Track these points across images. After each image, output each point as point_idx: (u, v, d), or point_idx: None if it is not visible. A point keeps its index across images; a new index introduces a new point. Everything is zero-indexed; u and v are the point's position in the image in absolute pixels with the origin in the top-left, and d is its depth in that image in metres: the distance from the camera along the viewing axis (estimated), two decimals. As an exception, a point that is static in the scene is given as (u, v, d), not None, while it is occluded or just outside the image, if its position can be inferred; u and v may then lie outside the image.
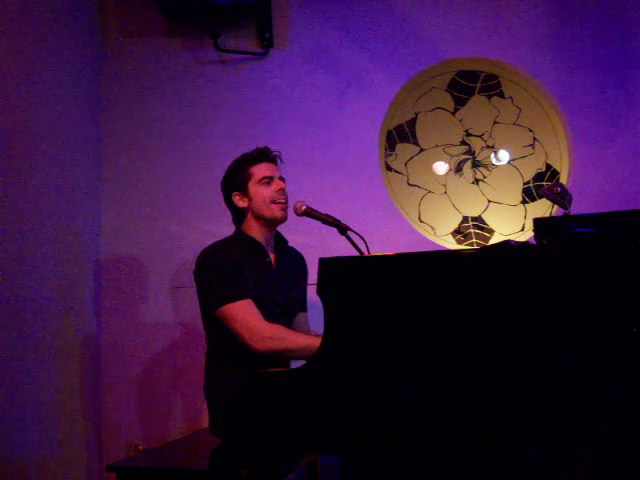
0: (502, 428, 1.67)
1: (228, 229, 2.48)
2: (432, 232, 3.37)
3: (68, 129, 2.99)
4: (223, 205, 2.49)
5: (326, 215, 2.39)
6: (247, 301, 2.22)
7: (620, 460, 1.66)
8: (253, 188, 2.39)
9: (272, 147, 2.46)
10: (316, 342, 2.11)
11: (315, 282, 1.79)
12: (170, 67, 3.32)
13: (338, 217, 2.39)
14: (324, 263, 1.77)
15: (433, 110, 3.45)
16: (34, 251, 2.66)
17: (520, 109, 3.43)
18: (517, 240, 2.90)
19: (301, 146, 3.22)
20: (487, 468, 1.74)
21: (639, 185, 3.24)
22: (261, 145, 2.46)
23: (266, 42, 3.29)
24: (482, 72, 3.44)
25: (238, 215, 2.45)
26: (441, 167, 3.43)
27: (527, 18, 3.34)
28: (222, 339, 2.25)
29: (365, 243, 2.35)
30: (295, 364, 2.12)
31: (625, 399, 1.63)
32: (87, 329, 3.09)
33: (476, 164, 3.43)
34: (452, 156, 3.43)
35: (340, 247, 2.35)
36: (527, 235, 3.32)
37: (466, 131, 3.44)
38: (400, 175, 3.41)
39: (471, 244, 3.39)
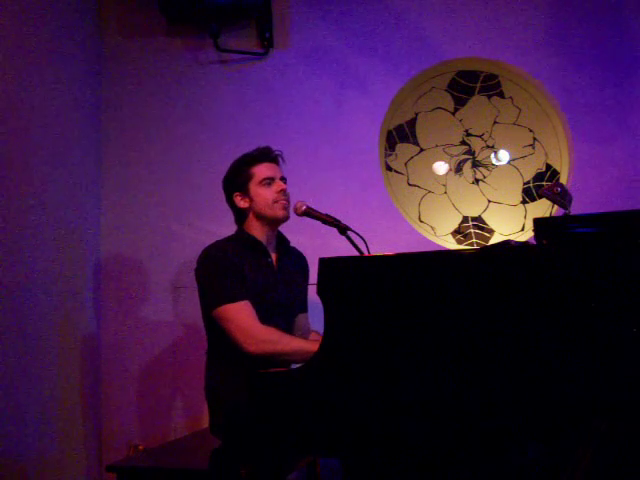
0: (502, 428, 1.67)
1: (229, 229, 2.48)
2: (432, 232, 3.37)
3: (68, 129, 2.99)
4: (224, 205, 2.49)
5: (326, 215, 2.39)
6: (244, 303, 2.22)
7: (620, 460, 1.66)
8: (254, 189, 2.38)
9: (273, 147, 2.46)
10: (311, 346, 2.12)
11: (315, 282, 1.79)
12: (170, 67, 3.32)
13: (338, 217, 2.40)
14: (324, 263, 1.77)
15: (433, 110, 3.45)
16: (34, 251, 2.66)
17: (520, 109, 3.43)
18: (517, 240, 2.91)
19: (301, 146, 3.22)
20: (487, 468, 1.74)
21: (639, 185, 3.24)
22: (262, 145, 2.45)
23: (266, 42, 3.29)
24: (482, 72, 3.44)
25: (240, 215, 2.45)
26: (441, 167, 3.43)
27: (527, 18, 3.34)
28: (223, 339, 2.25)
29: (365, 243, 2.35)
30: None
31: (625, 399, 1.63)
32: (87, 329, 3.09)
33: (476, 164, 3.43)
34: (452, 156, 3.43)
35: (340, 247, 2.34)
36: (527, 235, 3.32)
37: (466, 131, 3.44)
38: (400, 175, 3.41)
39: (471, 244, 3.39)
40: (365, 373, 1.72)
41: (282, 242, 2.49)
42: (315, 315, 2.36)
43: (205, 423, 2.73)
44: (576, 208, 2.04)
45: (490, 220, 3.40)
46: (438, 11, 3.36)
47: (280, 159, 2.47)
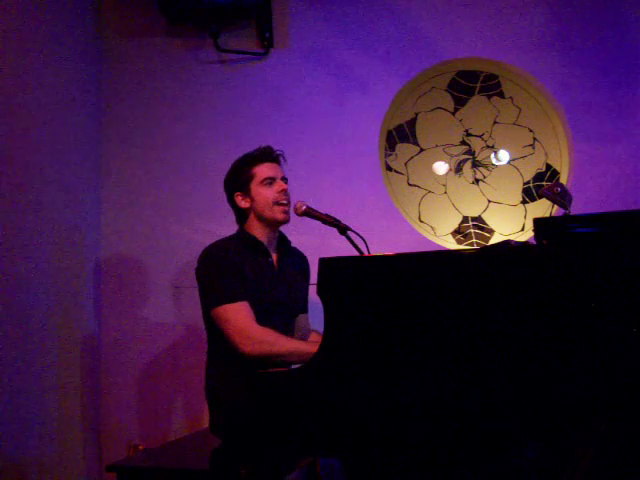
0: (502, 428, 1.67)
1: (229, 229, 2.48)
2: (432, 232, 3.37)
3: (68, 129, 2.99)
4: (224, 205, 2.50)
5: (326, 215, 2.39)
6: (242, 303, 2.22)
7: (620, 460, 1.66)
8: (255, 189, 2.38)
9: (273, 147, 2.46)
10: (307, 347, 2.12)
11: (315, 282, 1.79)
12: (170, 67, 3.32)
13: (338, 217, 2.40)
14: (324, 263, 1.77)
15: (433, 110, 3.45)
16: (34, 251, 2.66)
17: (520, 109, 3.43)
18: (517, 240, 2.91)
19: (301, 146, 3.22)
20: (487, 468, 1.74)
21: (639, 185, 3.24)
22: (263, 145, 2.45)
23: (266, 42, 3.29)
24: (482, 72, 3.44)
25: (241, 215, 2.44)
26: (441, 167, 3.43)
27: (527, 18, 3.34)
28: (222, 339, 2.25)
29: (365, 243, 2.35)
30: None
31: (625, 399, 1.63)
32: (87, 329, 3.09)
33: (476, 164, 3.43)
34: (452, 156, 3.43)
35: (340, 247, 2.34)
36: (527, 235, 3.32)
37: (466, 131, 3.44)
38: (400, 175, 3.41)
39: (471, 244, 3.39)
40: (365, 373, 1.72)
41: (283, 242, 2.49)
42: (315, 315, 2.36)
43: (205, 423, 2.73)
44: (576, 208, 2.04)
45: (490, 220, 3.40)
46: (438, 11, 3.36)
47: (281, 159, 2.46)
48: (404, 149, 3.43)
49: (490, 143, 3.43)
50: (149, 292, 3.21)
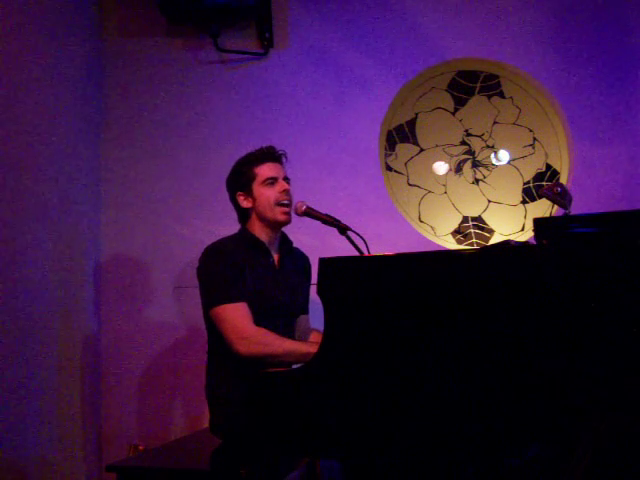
0: (502, 428, 1.67)
1: (229, 229, 2.48)
2: (432, 232, 3.37)
3: (68, 129, 2.99)
4: (224, 205, 2.50)
5: (326, 215, 2.39)
6: (240, 304, 2.22)
7: (620, 460, 1.66)
8: (257, 189, 2.38)
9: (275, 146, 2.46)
10: (304, 347, 2.12)
11: (315, 282, 1.79)
12: (170, 67, 3.32)
13: (338, 217, 2.40)
14: (324, 263, 1.77)
15: (433, 110, 3.45)
16: (34, 251, 2.66)
17: (520, 109, 3.43)
18: (517, 240, 2.91)
19: (301, 146, 3.22)
20: (487, 468, 1.74)
21: (639, 185, 3.24)
22: (264, 144, 2.45)
23: (266, 42, 3.29)
24: (482, 72, 3.44)
25: (243, 214, 2.44)
26: (441, 167, 3.43)
27: (527, 18, 3.34)
28: (222, 339, 2.25)
29: (365, 243, 2.35)
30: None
31: (625, 399, 1.63)
32: (87, 329, 3.09)
33: (476, 164, 3.43)
34: (452, 156, 3.43)
35: (340, 247, 2.35)
36: (527, 235, 3.32)
37: (466, 131, 3.44)
38: (400, 175, 3.41)
39: (471, 244, 3.39)
40: (365, 373, 1.72)
41: (285, 242, 2.49)
42: (316, 315, 2.36)
43: (205, 423, 2.73)
44: (576, 208, 2.04)
45: (490, 220, 3.40)
46: (438, 11, 3.36)
47: (284, 158, 2.46)
48: (404, 149, 3.43)
49: (490, 143, 3.43)
50: (149, 292, 3.21)
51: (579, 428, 1.68)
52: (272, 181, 2.38)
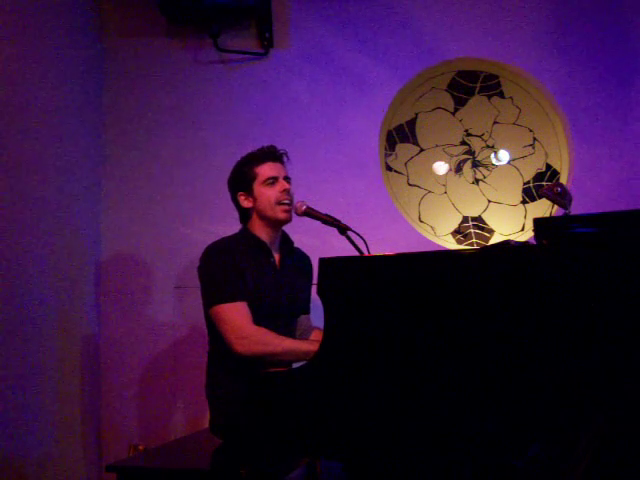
0: (503, 428, 1.67)
1: (230, 229, 2.48)
2: (432, 232, 3.37)
3: (69, 129, 2.99)
4: (225, 205, 2.50)
5: (326, 215, 2.39)
6: (240, 304, 2.22)
7: (620, 460, 1.66)
8: (258, 189, 2.38)
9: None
10: (303, 346, 2.13)
11: (315, 282, 1.79)
12: (170, 67, 3.32)
13: (338, 217, 2.40)
14: (324, 263, 1.77)
15: (433, 110, 3.45)
16: (34, 251, 2.66)
17: (520, 109, 3.43)
18: (517, 240, 2.91)
19: (301, 146, 3.22)
20: (487, 468, 1.74)
21: (639, 185, 3.24)
22: (264, 144, 2.45)
23: (266, 42, 3.29)
24: (482, 72, 3.44)
25: (244, 214, 2.45)
26: (441, 167, 3.43)
27: (527, 18, 3.34)
28: (223, 338, 2.25)
29: (365, 243, 2.35)
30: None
31: (625, 399, 1.63)
32: (87, 329, 3.09)
33: (476, 164, 3.43)
34: (452, 156, 3.43)
35: (340, 247, 2.35)
36: (527, 235, 3.32)
37: (466, 131, 3.44)
38: (400, 175, 3.41)
39: (471, 244, 3.39)
40: (365, 373, 1.72)
41: (286, 242, 2.49)
42: (316, 315, 2.37)
43: (205, 423, 2.73)
44: (576, 208, 2.04)
45: (490, 220, 3.40)
46: (438, 11, 3.36)
47: (285, 158, 2.46)
48: (404, 149, 3.43)
49: (490, 143, 3.43)
50: (149, 292, 3.21)
51: (579, 428, 1.68)
52: (272, 181, 2.38)
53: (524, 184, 3.41)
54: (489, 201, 3.41)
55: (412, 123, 3.44)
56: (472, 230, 3.40)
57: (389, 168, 3.40)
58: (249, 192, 2.40)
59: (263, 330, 2.19)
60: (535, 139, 3.42)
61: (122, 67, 3.32)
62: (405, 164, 3.42)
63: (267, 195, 2.37)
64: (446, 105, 3.45)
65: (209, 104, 3.30)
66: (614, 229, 1.69)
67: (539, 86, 3.36)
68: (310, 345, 2.08)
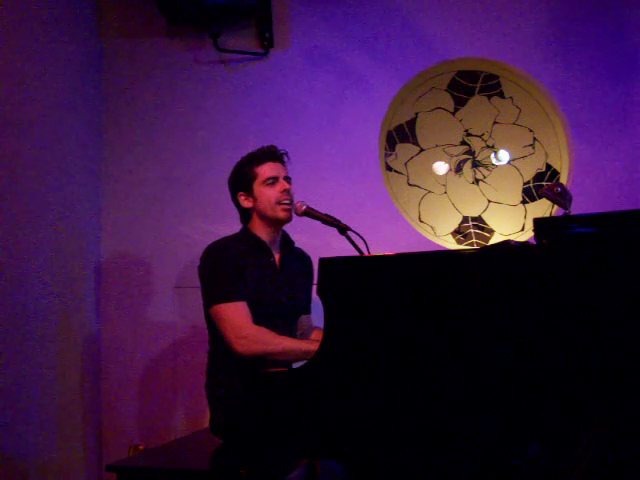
0: (504, 428, 1.67)
1: (230, 229, 2.48)
2: (432, 232, 3.37)
3: (68, 129, 2.99)
4: (224, 205, 2.50)
5: (326, 215, 2.40)
6: (240, 303, 2.22)
7: (620, 460, 1.66)
8: (258, 189, 2.38)
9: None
10: (303, 345, 2.13)
11: (315, 282, 1.79)
12: (170, 67, 3.32)
13: (338, 217, 2.40)
14: (324, 263, 1.77)
15: (433, 110, 3.45)
16: (34, 251, 2.66)
17: (520, 109, 3.43)
18: (517, 240, 2.91)
19: (301, 146, 3.21)
20: (487, 469, 1.74)
21: (639, 185, 3.24)
22: (264, 144, 2.45)
23: (266, 42, 3.28)
24: (482, 72, 3.44)
25: (244, 214, 2.45)
26: (441, 167, 3.43)
27: (527, 18, 3.34)
28: (223, 337, 2.25)
29: (365, 243, 2.35)
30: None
31: (626, 398, 1.63)
32: (87, 329, 3.09)
33: (476, 164, 3.43)
34: (452, 156, 3.43)
35: (340, 247, 2.35)
36: (527, 235, 3.32)
37: (466, 131, 3.44)
38: (400, 175, 3.41)
39: (471, 244, 3.39)
40: (365, 373, 1.72)
41: (287, 242, 2.49)
42: (318, 315, 2.36)
43: (205, 423, 2.73)
44: (576, 208, 2.04)
45: (490, 220, 3.40)
46: (438, 11, 3.36)
47: (286, 158, 2.46)
48: (404, 149, 3.43)
49: (490, 143, 3.43)
50: (149, 292, 3.21)
51: (579, 428, 1.68)
52: (272, 181, 2.38)
53: (524, 184, 3.41)
54: (489, 201, 3.41)
55: (412, 123, 3.44)
56: (472, 230, 3.39)
57: (389, 168, 3.40)
58: (249, 192, 2.40)
59: (263, 330, 2.19)
60: (535, 139, 3.42)
61: (122, 67, 3.32)
62: (405, 164, 3.42)
63: (267, 195, 2.37)
64: (446, 105, 3.45)
65: (209, 104, 3.30)
66: (614, 229, 1.69)
67: (539, 86, 3.36)
68: (310, 345, 2.08)
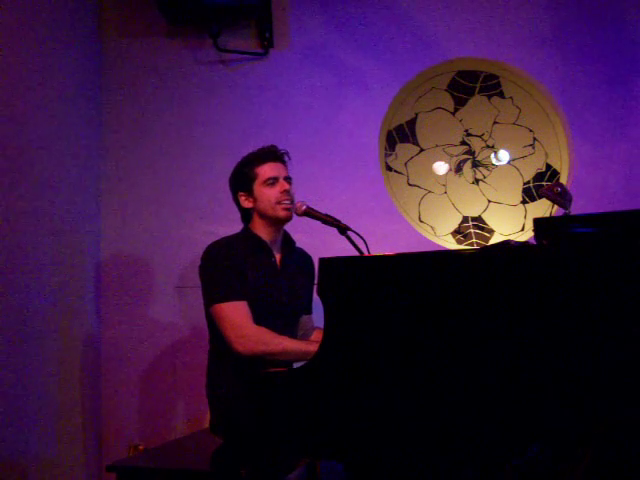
0: (504, 429, 1.67)
1: (230, 229, 2.48)
2: (432, 232, 3.37)
3: (68, 129, 2.99)
4: (224, 206, 2.50)
5: (326, 215, 2.40)
6: (240, 303, 2.22)
7: (620, 460, 1.66)
8: (258, 189, 2.38)
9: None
10: (303, 346, 2.13)
11: (316, 282, 1.79)
12: (170, 67, 3.32)
13: (338, 217, 2.40)
14: (324, 263, 1.77)
15: (433, 110, 3.45)
16: (35, 251, 2.66)
17: (520, 109, 3.43)
18: (517, 240, 2.91)
19: (301, 146, 3.22)
20: (487, 469, 1.74)
21: (639, 185, 3.24)
22: (265, 144, 2.45)
23: (266, 42, 3.28)
24: (482, 72, 3.44)
25: (245, 214, 2.46)
26: (441, 167, 3.43)
27: (527, 18, 3.34)
28: (223, 337, 2.25)
29: (365, 243, 2.35)
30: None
31: (626, 399, 1.63)
32: (87, 329, 3.09)
33: (476, 164, 3.43)
34: (452, 156, 3.43)
35: (340, 247, 2.35)
36: (527, 235, 3.32)
37: (466, 131, 3.44)
38: (400, 175, 3.41)
39: (471, 244, 3.39)
40: (365, 373, 1.72)
41: (288, 242, 2.49)
42: (317, 315, 2.37)
43: (205, 423, 2.73)
44: (576, 208, 2.04)
45: (490, 220, 3.40)
46: (439, 11, 3.36)
47: (286, 158, 2.46)
48: (404, 149, 3.43)
49: (490, 143, 3.43)
50: (149, 292, 3.21)
51: (579, 428, 1.68)
52: (273, 181, 2.38)
53: (524, 184, 3.41)
54: (489, 201, 3.41)
55: (412, 123, 3.44)
56: (472, 230, 3.39)
57: (389, 168, 3.40)
58: (250, 192, 2.40)
59: (263, 329, 2.20)
60: (535, 139, 3.42)
61: (122, 67, 3.32)
62: (405, 164, 3.42)
63: (267, 195, 2.37)
64: (446, 105, 3.45)
65: (209, 104, 3.30)
66: (614, 229, 1.69)
67: (539, 86, 3.36)
68: (310, 345, 2.08)
